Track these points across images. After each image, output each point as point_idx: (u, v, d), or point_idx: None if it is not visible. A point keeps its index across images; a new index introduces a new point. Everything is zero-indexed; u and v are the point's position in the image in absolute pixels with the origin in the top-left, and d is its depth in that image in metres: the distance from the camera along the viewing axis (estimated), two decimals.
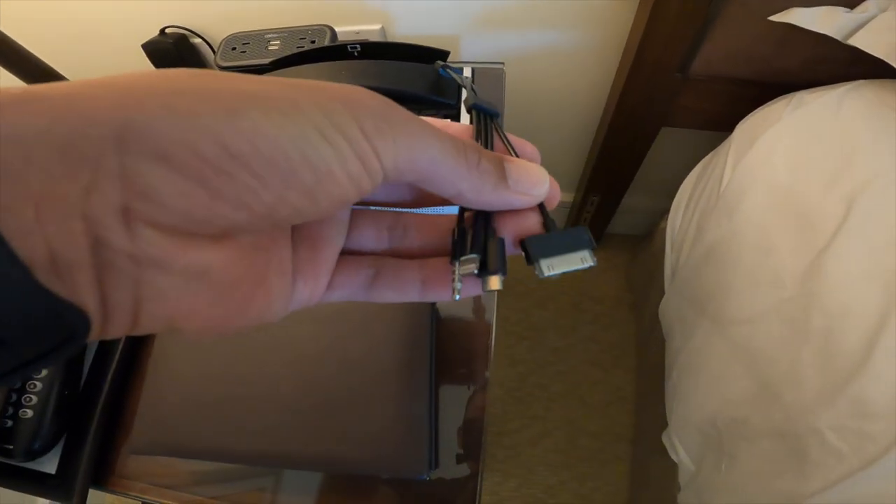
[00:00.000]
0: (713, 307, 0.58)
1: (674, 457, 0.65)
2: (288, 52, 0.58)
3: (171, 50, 0.71)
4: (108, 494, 0.44)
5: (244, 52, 0.59)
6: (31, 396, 0.42)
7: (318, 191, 0.14)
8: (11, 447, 0.41)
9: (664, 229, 0.85)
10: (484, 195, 0.17)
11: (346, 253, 0.19)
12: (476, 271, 0.16)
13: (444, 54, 0.49)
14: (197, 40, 0.75)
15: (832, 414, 0.42)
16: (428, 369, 0.39)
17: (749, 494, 0.49)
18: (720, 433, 0.54)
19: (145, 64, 0.72)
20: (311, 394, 0.39)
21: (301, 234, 0.17)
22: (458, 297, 0.17)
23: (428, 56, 0.49)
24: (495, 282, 0.17)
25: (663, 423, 0.70)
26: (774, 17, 0.54)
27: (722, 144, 0.66)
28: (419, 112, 0.44)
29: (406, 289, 0.19)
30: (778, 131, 0.54)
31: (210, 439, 0.39)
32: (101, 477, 0.44)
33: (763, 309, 0.50)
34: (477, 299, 0.44)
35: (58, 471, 0.43)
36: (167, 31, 0.72)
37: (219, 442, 0.39)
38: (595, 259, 0.17)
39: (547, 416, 1.02)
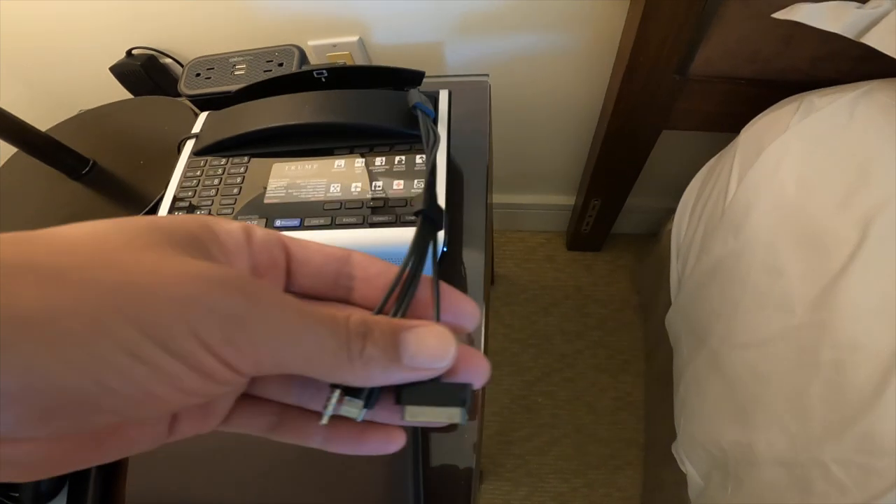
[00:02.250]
0: (720, 326, 0.55)
1: (683, 469, 0.63)
2: (254, 77, 0.55)
3: (140, 71, 0.68)
4: None
5: (209, 77, 0.55)
6: None
7: (132, 413, 0.12)
8: (17, 494, 0.42)
9: (670, 231, 0.81)
10: (373, 381, 0.15)
11: (250, 396, 0.17)
12: (360, 416, 0.16)
13: (418, 76, 0.45)
14: (167, 60, 0.72)
15: (839, 447, 0.40)
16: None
17: None
18: (726, 455, 0.52)
19: (115, 88, 0.70)
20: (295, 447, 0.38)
21: None
22: (324, 422, 0.16)
23: (401, 78, 0.45)
24: (360, 415, 0.16)
25: (673, 432, 0.68)
26: (778, 15, 0.49)
27: (726, 149, 0.62)
28: (391, 147, 0.41)
29: (308, 439, 0.18)
30: (785, 142, 0.50)
31: (201, 492, 0.39)
32: None
33: (771, 334, 0.47)
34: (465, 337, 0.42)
35: None
36: (134, 52, 0.69)
37: (209, 494, 0.39)
38: (465, 418, 0.16)
39: (555, 424, 1.00)
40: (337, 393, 0.15)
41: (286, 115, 0.40)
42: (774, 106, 0.58)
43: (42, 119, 0.52)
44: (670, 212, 0.84)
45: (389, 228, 0.35)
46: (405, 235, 0.35)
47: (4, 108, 0.45)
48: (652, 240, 0.95)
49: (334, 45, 0.70)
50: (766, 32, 0.55)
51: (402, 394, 0.16)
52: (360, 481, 0.36)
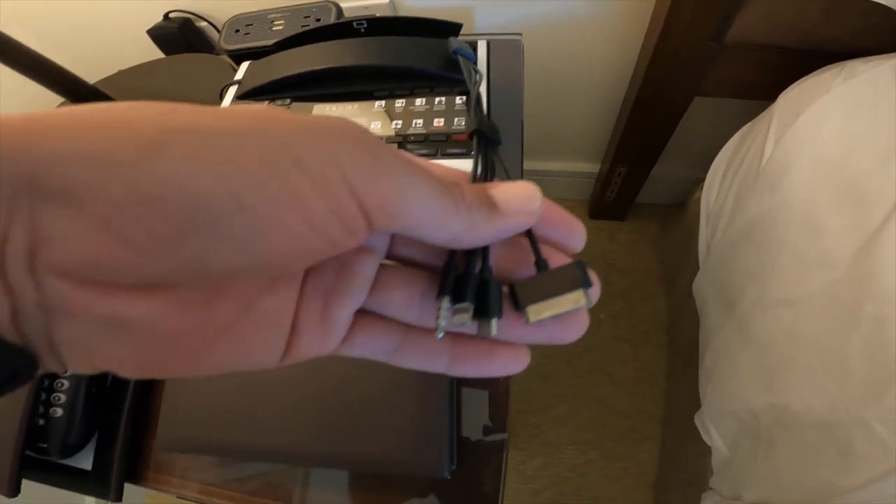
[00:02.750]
0: (754, 287, 0.54)
1: (707, 440, 0.63)
2: (293, 31, 0.56)
3: (177, 35, 0.69)
4: (147, 492, 0.45)
5: (248, 33, 0.56)
6: (60, 395, 0.43)
7: (260, 244, 0.11)
8: (46, 445, 0.42)
9: (698, 199, 0.80)
10: (480, 230, 0.15)
11: (373, 314, 0.17)
12: (469, 321, 0.15)
13: (455, 28, 0.45)
14: (202, 23, 0.73)
15: (881, 405, 0.39)
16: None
17: (786, 484, 0.47)
18: (758, 420, 0.51)
19: (153, 51, 0.71)
20: (332, 391, 0.38)
21: (313, 286, 0.15)
22: (440, 335, 0.15)
23: (439, 30, 0.45)
24: (495, 327, 0.15)
25: (696, 404, 0.68)
26: None
27: (762, 115, 0.61)
28: (431, 90, 0.41)
29: (433, 361, 0.17)
30: (827, 103, 0.49)
31: (233, 437, 0.39)
32: (137, 471, 0.44)
33: (809, 291, 0.46)
34: None
35: (94, 467, 0.44)
36: (171, 15, 0.70)
37: (242, 440, 0.39)
38: (590, 299, 0.15)
39: (575, 394, 1.00)
40: (446, 299, 0.15)
41: (329, 59, 0.41)
42: (815, 72, 0.57)
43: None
44: (697, 182, 0.83)
45: (430, 161, 0.36)
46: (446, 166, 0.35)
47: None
48: (677, 210, 0.94)
49: (365, 8, 0.70)
50: (807, 2, 0.54)
51: (519, 298, 0.16)
52: (395, 431, 0.36)
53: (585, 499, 0.94)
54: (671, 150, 0.85)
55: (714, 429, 0.61)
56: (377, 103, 0.40)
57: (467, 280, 0.15)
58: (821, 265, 0.45)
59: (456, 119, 0.37)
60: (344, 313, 0.16)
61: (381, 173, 0.12)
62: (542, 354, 1.03)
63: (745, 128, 0.65)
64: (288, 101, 0.41)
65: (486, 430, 0.38)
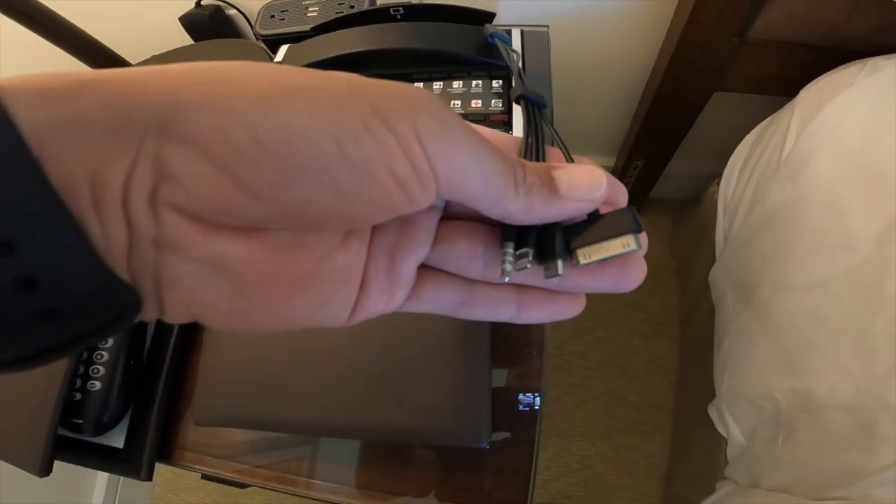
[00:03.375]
0: (774, 273, 0.55)
1: (721, 430, 0.63)
2: (327, 17, 0.57)
3: (208, 21, 0.71)
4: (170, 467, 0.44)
5: (283, 19, 0.57)
6: (99, 368, 0.42)
7: (356, 192, 0.13)
8: (81, 422, 0.41)
9: (712, 194, 0.81)
10: (535, 212, 0.15)
11: (438, 270, 0.18)
12: (531, 264, 0.16)
13: (490, 16, 0.47)
14: (232, 11, 0.74)
15: None
16: (485, 334, 0.38)
17: (808, 468, 0.48)
18: (778, 405, 0.52)
19: (183, 37, 0.72)
20: (368, 363, 0.39)
21: (379, 242, 0.16)
22: (507, 279, 0.16)
23: (473, 18, 0.47)
24: (560, 266, 0.16)
25: (709, 395, 0.68)
26: None
27: (783, 109, 0.62)
28: (469, 73, 0.42)
29: (501, 310, 0.18)
30: (850, 96, 0.51)
31: (269, 410, 0.40)
32: (167, 450, 0.44)
33: (831, 274, 0.47)
34: None
35: (125, 445, 0.43)
36: (202, 3, 0.71)
37: (278, 412, 0.39)
38: (640, 243, 0.15)
39: (586, 385, 1.02)
40: (510, 244, 0.16)
41: (369, 41, 0.42)
42: (838, 68, 0.58)
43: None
44: (710, 178, 0.84)
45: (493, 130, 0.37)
46: None
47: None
48: (691, 204, 0.95)
49: None
50: (825, 2, 0.55)
51: (570, 241, 0.16)
52: (432, 402, 0.37)
53: (595, 490, 0.95)
54: (687, 146, 0.86)
55: (730, 417, 0.62)
56: (416, 86, 0.41)
57: (529, 227, 0.16)
58: (843, 248, 0.46)
59: (493, 101, 0.39)
60: (408, 267, 0.16)
61: (449, 144, 0.13)
62: (555, 345, 1.05)
63: (764, 122, 0.66)
64: None
65: (521, 401, 0.39)
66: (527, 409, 0.41)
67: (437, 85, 0.41)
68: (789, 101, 0.61)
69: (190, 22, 0.71)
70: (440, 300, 0.18)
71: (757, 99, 0.73)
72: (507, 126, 0.37)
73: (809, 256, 0.50)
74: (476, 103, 0.39)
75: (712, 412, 0.66)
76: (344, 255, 0.15)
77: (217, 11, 0.72)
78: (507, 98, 0.39)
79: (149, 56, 0.64)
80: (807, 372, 0.48)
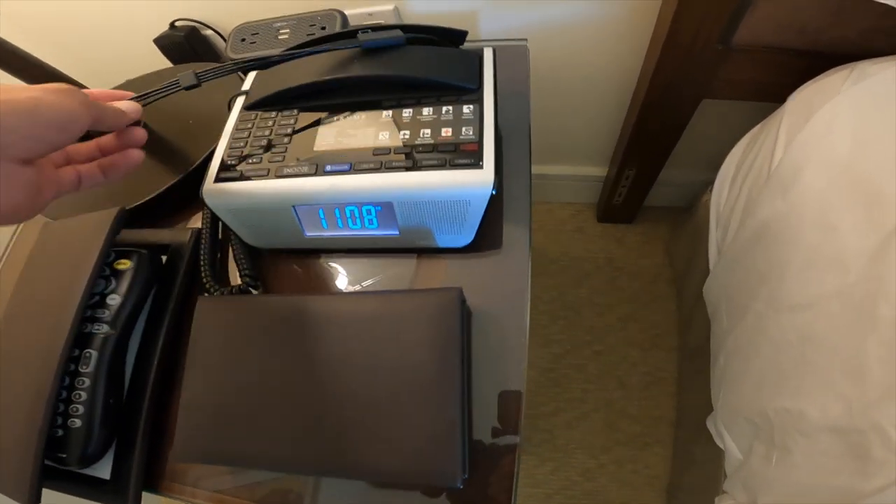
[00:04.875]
0: (766, 289, 0.54)
1: (719, 444, 0.62)
2: (298, 40, 0.56)
3: (183, 43, 0.70)
4: (161, 498, 0.45)
5: (254, 42, 0.57)
6: (77, 406, 0.43)
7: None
8: (65, 455, 0.42)
9: (706, 202, 0.80)
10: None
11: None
12: None
13: (461, 35, 0.46)
14: (208, 32, 0.73)
15: None
16: (459, 372, 0.37)
17: (802, 489, 0.47)
18: (772, 424, 0.51)
19: (159, 59, 0.71)
20: (344, 401, 0.38)
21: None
22: None
23: (445, 37, 0.45)
24: None
25: (708, 407, 0.67)
26: None
27: (771, 117, 0.60)
28: (438, 99, 0.41)
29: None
30: (837, 105, 0.49)
31: (246, 447, 0.39)
32: (153, 480, 0.44)
33: (823, 293, 0.46)
34: (511, 294, 0.42)
35: (112, 476, 0.44)
36: (177, 24, 0.71)
37: (254, 449, 0.39)
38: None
39: (584, 399, 1.00)
40: None
41: (335, 69, 0.41)
42: (824, 74, 0.57)
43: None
44: (706, 184, 0.82)
45: (439, 171, 0.35)
46: (455, 178, 0.35)
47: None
48: (686, 212, 0.93)
49: (370, 14, 0.70)
50: (817, 4, 0.53)
51: None
52: (406, 441, 0.36)
53: (597, 502, 0.94)
54: (679, 153, 0.85)
55: (727, 432, 0.60)
56: (384, 113, 0.39)
57: None
58: (835, 267, 0.44)
59: (464, 129, 0.37)
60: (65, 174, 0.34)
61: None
62: (552, 359, 1.03)
63: (753, 130, 0.65)
64: (295, 111, 0.41)
65: (498, 434, 0.38)
66: (505, 442, 0.39)
67: (407, 112, 0.39)
68: (779, 106, 0.60)
69: (165, 44, 0.70)
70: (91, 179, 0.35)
71: (747, 104, 0.72)
72: (478, 156, 0.35)
73: (801, 274, 0.49)
74: (446, 132, 0.37)
75: (710, 426, 0.65)
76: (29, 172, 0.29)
77: (192, 32, 0.71)
78: (479, 124, 0.37)
79: (123, 80, 0.63)
80: (800, 392, 0.47)
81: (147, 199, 0.48)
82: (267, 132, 0.41)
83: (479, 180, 0.35)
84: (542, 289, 1.09)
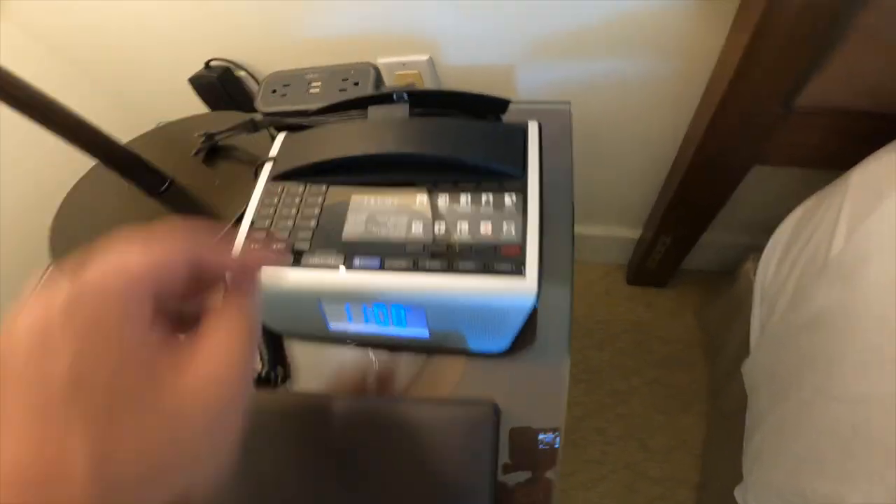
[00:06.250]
0: (816, 377, 0.51)
1: None
2: (329, 95, 0.54)
3: (216, 84, 0.69)
4: None
5: (285, 94, 0.55)
6: None
7: None
8: None
9: (748, 270, 0.75)
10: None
11: None
12: None
13: (502, 105, 0.42)
14: (241, 73, 0.72)
15: None
16: (488, 494, 0.34)
17: None
18: None
19: (191, 97, 0.70)
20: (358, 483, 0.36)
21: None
22: None
23: (486, 106, 0.42)
24: None
25: (736, 474, 0.64)
26: None
27: (830, 193, 0.56)
28: (478, 185, 0.38)
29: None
30: None
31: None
32: None
33: (881, 391, 0.43)
34: (544, 405, 0.39)
35: None
36: (212, 63, 0.70)
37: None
38: None
39: (604, 461, 0.95)
40: None
41: (367, 144, 0.38)
42: (890, 144, 0.52)
43: (121, 129, 0.53)
44: (747, 249, 0.77)
45: (476, 277, 0.32)
46: (493, 285, 0.32)
47: (87, 118, 0.46)
48: (725, 278, 0.88)
49: (403, 64, 0.68)
50: (892, 66, 0.49)
51: None
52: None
53: None
54: (720, 217, 0.80)
55: None
56: (419, 198, 0.36)
57: None
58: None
59: (505, 225, 0.34)
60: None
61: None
62: (572, 422, 0.99)
63: (807, 203, 0.60)
64: (324, 187, 0.39)
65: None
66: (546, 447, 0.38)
67: (443, 197, 0.36)
68: (837, 174, 0.55)
69: (199, 84, 0.69)
70: None
71: (797, 169, 0.68)
72: (520, 262, 0.32)
73: (858, 369, 0.45)
74: (485, 228, 0.34)
75: (738, 496, 0.62)
76: None
77: (225, 73, 0.70)
78: (522, 220, 0.34)
79: (156, 118, 0.62)
80: (842, 478, 0.45)
81: None
82: (294, 210, 0.38)
83: (519, 289, 0.31)
84: None
